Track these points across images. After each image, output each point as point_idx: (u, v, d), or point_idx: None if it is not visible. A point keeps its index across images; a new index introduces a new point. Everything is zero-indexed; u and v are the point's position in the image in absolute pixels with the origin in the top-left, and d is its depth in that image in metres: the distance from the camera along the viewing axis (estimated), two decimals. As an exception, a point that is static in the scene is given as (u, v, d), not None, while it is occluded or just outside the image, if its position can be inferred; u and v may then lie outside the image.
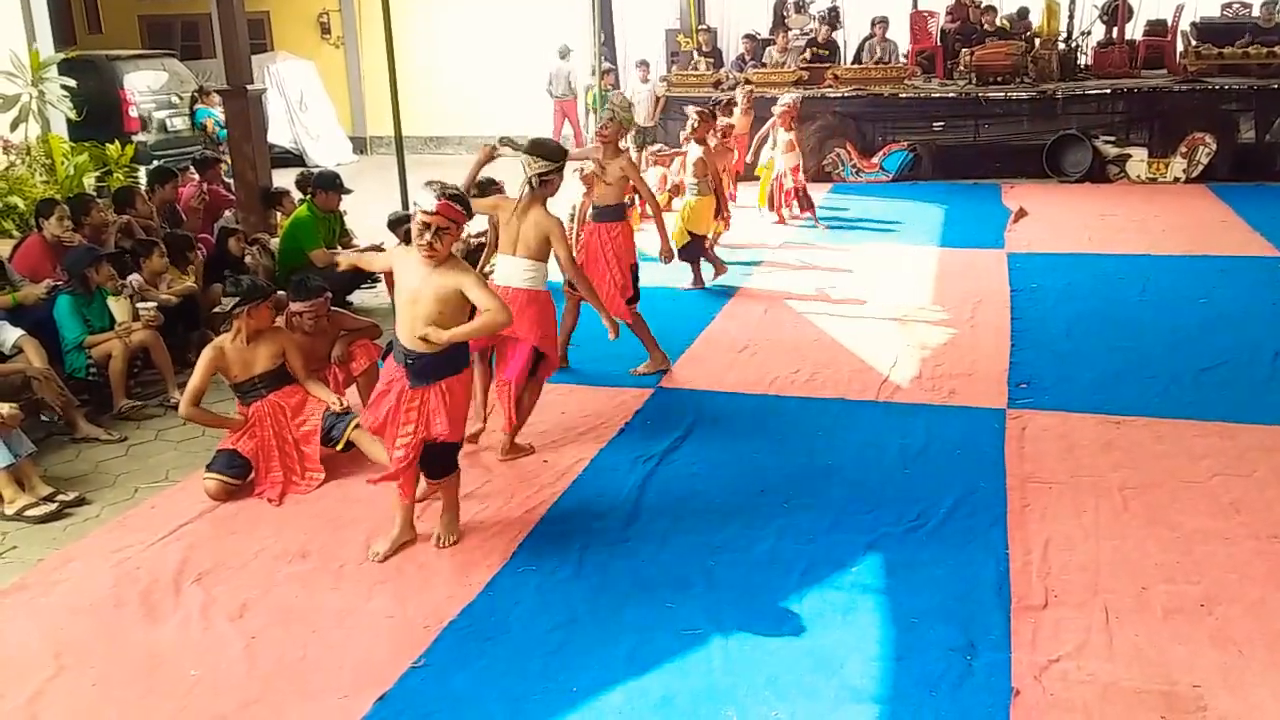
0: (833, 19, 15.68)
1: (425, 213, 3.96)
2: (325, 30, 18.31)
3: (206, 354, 4.98)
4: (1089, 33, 14.49)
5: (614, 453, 5.32)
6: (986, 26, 14.17)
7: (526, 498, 4.84)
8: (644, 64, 14.60)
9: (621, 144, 6.67)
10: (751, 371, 6.41)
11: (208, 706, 3.44)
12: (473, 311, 4.11)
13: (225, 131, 10.35)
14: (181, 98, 14.18)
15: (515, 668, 3.58)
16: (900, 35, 15.04)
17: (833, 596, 3.94)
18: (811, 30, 15.26)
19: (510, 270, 5.15)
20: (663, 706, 3.36)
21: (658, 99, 14.19)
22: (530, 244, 5.08)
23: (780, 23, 15.57)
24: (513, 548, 4.39)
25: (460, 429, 4.26)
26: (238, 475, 4.95)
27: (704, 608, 3.90)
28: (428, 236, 3.96)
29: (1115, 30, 14.03)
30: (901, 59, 14.55)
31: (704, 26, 15.89)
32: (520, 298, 5.02)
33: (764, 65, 14.42)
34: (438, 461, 4.32)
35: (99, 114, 11.89)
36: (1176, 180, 12.36)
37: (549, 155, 5.10)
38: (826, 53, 14.50)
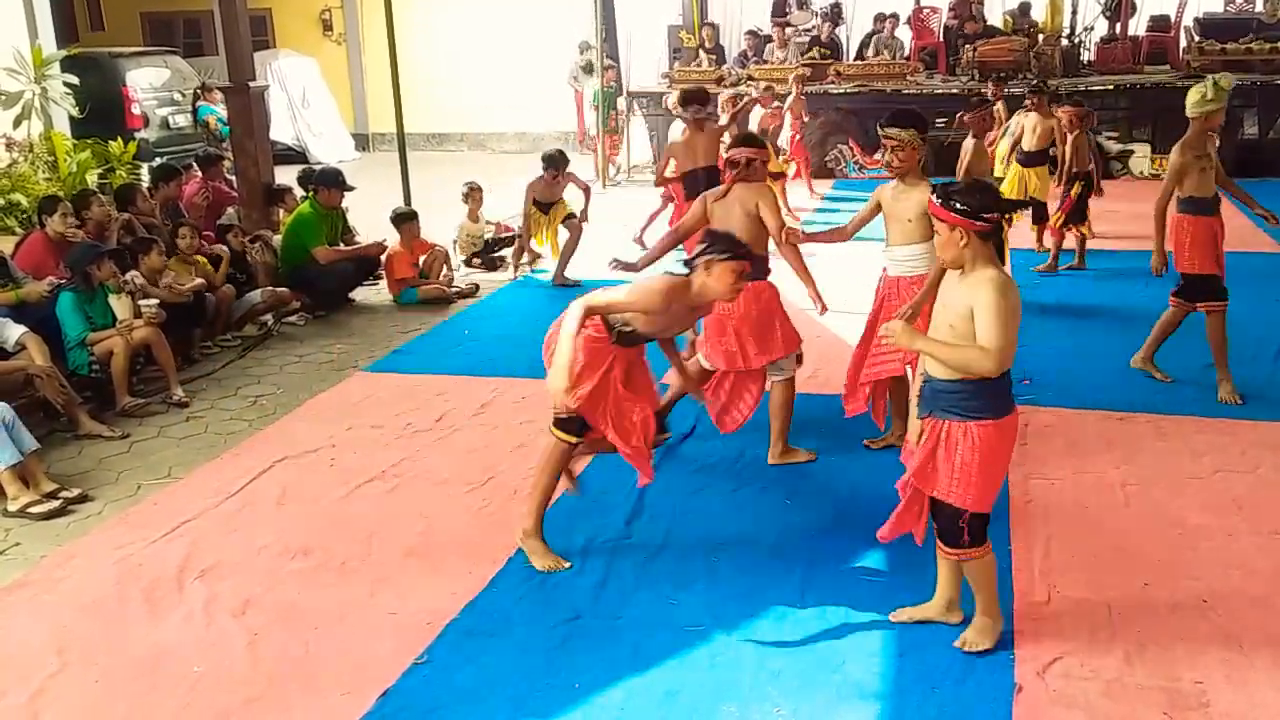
0: (834, 15, 15.67)
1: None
2: (327, 27, 18.32)
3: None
4: (1092, 28, 14.48)
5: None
6: (968, 30, 14.09)
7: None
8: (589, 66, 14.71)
9: None
10: (754, 368, 6.40)
11: (211, 703, 3.44)
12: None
13: (227, 128, 10.36)
14: (184, 95, 14.20)
15: (517, 665, 3.58)
16: (901, 31, 15.04)
17: (835, 593, 3.94)
18: (814, 27, 15.24)
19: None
20: (665, 703, 3.36)
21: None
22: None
23: (783, 19, 15.57)
24: (516, 543, 4.38)
25: (981, 496, 3.35)
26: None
27: (706, 604, 3.90)
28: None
29: (1118, 26, 14.01)
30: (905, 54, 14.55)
31: (707, 23, 15.88)
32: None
33: (766, 61, 14.42)
34: (941, 523, 3.47)
35: (101, 111, 11.90)
36: (1180, 176, 12.33)
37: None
38: (828, 51, 14.49)
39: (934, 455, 3.36)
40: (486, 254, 9.49)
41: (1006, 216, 3.34)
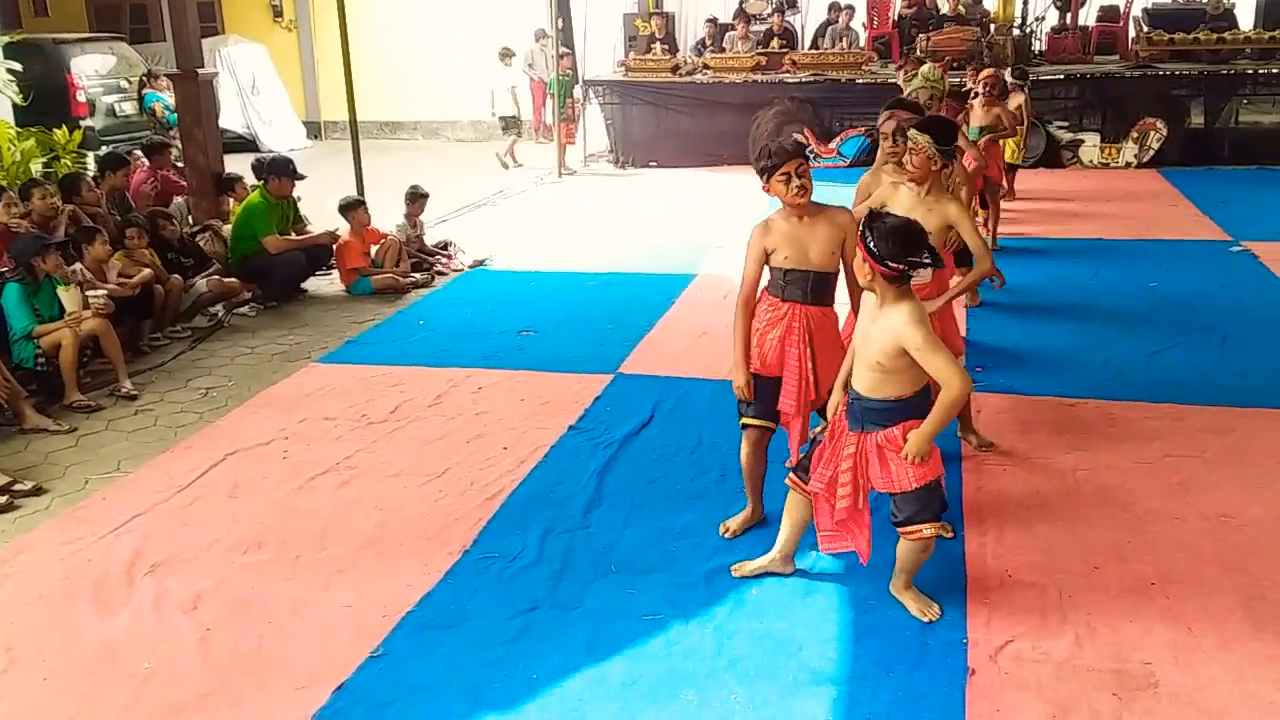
0: (786, 4, 15.72)
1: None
2: (277, 13, 18.06)
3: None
4: (1043, 18, 14.63)
5: (574, 438, 5.31)
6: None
7: (486, 485, 4.82)
8: (508, 53, 14.71)
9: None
10: (711, 356, 6.41)
11: (163, 699, 3.40)
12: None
13: (175, 116, 10.18)
14: (130, 82, 13.98)
15: (475, 656, 3.57)
16: (856, 21, 15.11)
17: (791, 581, 3.96)
18: (767, 18, 15.26)
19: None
20: (623, 692, 3.36)
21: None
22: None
23: (740, 9, 15.59)
24: (473, 535, 4.37)
25: (928, 469, 3.51)
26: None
27: (665, 593, 3.91)
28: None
29: (1069, 16, 14.17)
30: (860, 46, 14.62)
31: (659, 11, 15.86)
32: None
33: (723, 50, 14.43)
34: (915, 506, 3.55)
35: (46, 99, 11.68)
36: (1128, 165, 12.52)
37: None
38: (782, 43, 14.53)
39: (885, 462, 3.52)
40: (418, 265, 8.76)
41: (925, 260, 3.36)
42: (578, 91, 14.86)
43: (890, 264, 3.30)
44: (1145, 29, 13.28)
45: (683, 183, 12.81)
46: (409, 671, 3.50)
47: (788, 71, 13.73)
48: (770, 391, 4.11)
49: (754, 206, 10.62)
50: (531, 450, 5.18)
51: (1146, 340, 6.48)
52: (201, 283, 7.50)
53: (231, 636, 3.72)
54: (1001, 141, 8.76)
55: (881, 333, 3.40)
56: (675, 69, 13.95)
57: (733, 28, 14.87)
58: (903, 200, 4.46)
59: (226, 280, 7.67)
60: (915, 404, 3.48)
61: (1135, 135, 12.48)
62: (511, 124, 14.88)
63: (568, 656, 3.54)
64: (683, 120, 13.85)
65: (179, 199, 8.81)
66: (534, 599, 3.89)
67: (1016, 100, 8.95)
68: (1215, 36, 12.78)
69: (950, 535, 4.14)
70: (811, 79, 13.44)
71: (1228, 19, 13.43)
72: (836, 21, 15.03)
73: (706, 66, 14.06)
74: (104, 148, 11.04)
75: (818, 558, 4.10)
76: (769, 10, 15.52)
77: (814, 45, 15.14)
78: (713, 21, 15.29)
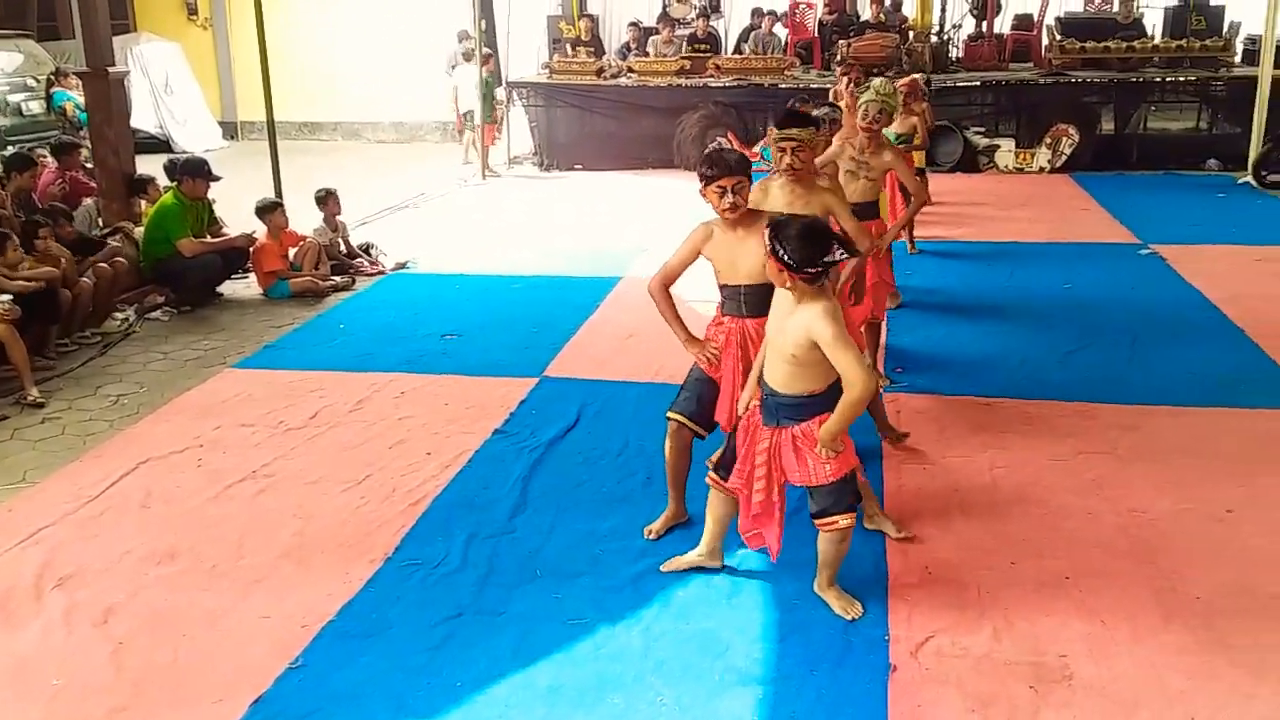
0: (710, 8, 15.80)
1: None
2: (192, 11, 17.66)
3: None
4: (960, 26, 14.92)
5: (499, 442, 5.27)
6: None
7: (409, 490, 4.76)
8: (472, 51, 14.63)
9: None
10: (637, 359, 6.41)
11: (73, 714, 3.30)
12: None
13: (85, 115, 9.89)
14: (38, 80, 13.55)
15: (398, 664, 3.52)
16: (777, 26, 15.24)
17: (717, 581, 3.98)
18: (691, 22, 15.32)
19: None
20: (549, 697, 3.34)
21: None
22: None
23: (664, 13, 15.63)
24: (395, 541, 4.31)
25: (843, 463, 3.56)
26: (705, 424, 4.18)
27: (591, 596, 3.90)
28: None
29: (985, 24, 14.47)
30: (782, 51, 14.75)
31: (585, 14, 15.83)
32: None
33: (648, 54, 14.46)
34: (831, 498, 3.60)
35: (-54, 97, 11.26)
36: (1042, 170, 12.82)
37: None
38: (706, 47, 14.60)
39: (801, 455, 3.56)
40: (341, 270, 8.59)
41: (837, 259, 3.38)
42: (500, 93, 14.77)
43: (808, 270, 3.35)
44: (1058, 37, 13.61)
45: (607, 186, 12.81)
46: (330, 682, 3.43)
47: (711, 76, 13.79)
48: (708, 392, 4.12)
49: (678, 210, 10.65)
50: (455, 455, 5.13)
51: (1060, 340, 6.63)
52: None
53: (145, 650, 3.62)
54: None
55: (795, 326, 3.44)
56: (599, 72, 13.94)
57: (656, 31, 14.91)
58: (776, 199, 4.40)
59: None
60: (829, 399, 3.51)
61: (1049, 141, 12.78)
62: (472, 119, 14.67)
63: (493, 662, 3.51)
64: (607, 123, 13.85)
65: (89, 200, 8.56)
66: (458, 605, 3.85)
67: (919, 108, 9.12)
68: (1125, 45, 13.14)
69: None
70: (735, 84, 13.53)
71: (1137, 28, 13.83)
72: (760, 27, 15.16)
73: (631, 70, 14.07)
74: (10, 148, 10.70)
75: (745, 555, 4.12)
76: (692, 15, 15.58)
77: (737, 50, 15.24)
78: (636, 25, 15.32)
